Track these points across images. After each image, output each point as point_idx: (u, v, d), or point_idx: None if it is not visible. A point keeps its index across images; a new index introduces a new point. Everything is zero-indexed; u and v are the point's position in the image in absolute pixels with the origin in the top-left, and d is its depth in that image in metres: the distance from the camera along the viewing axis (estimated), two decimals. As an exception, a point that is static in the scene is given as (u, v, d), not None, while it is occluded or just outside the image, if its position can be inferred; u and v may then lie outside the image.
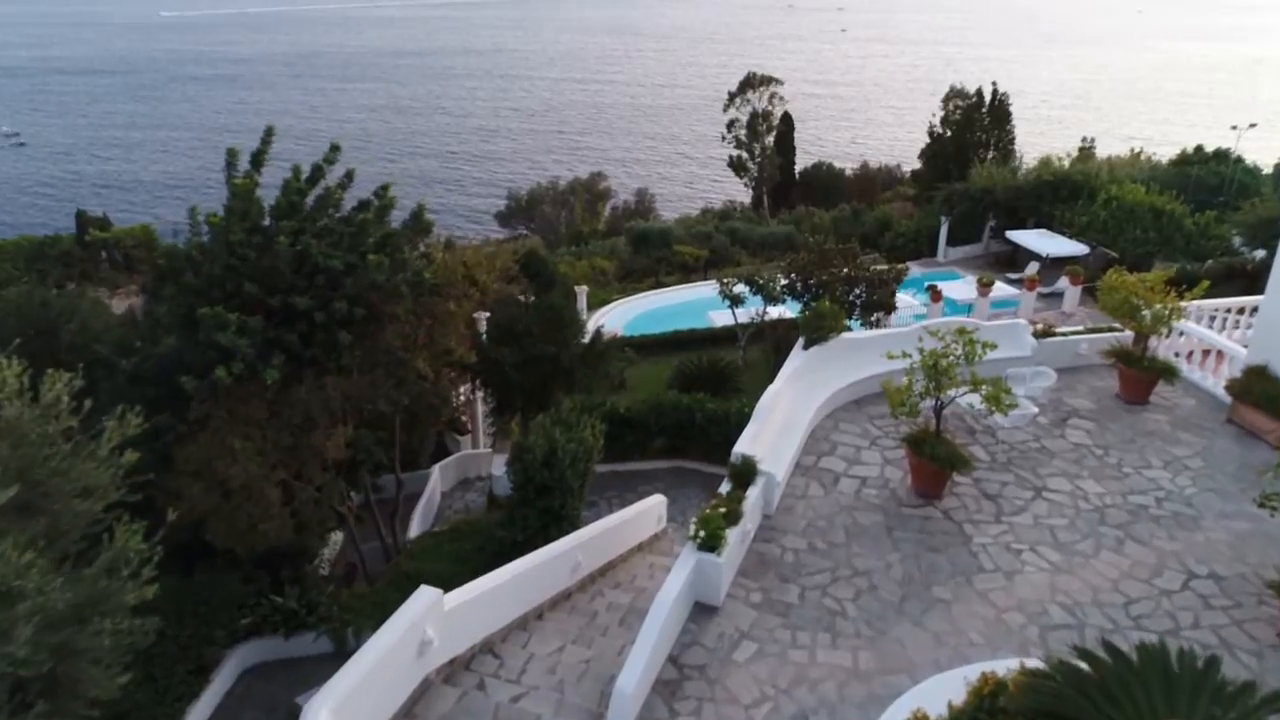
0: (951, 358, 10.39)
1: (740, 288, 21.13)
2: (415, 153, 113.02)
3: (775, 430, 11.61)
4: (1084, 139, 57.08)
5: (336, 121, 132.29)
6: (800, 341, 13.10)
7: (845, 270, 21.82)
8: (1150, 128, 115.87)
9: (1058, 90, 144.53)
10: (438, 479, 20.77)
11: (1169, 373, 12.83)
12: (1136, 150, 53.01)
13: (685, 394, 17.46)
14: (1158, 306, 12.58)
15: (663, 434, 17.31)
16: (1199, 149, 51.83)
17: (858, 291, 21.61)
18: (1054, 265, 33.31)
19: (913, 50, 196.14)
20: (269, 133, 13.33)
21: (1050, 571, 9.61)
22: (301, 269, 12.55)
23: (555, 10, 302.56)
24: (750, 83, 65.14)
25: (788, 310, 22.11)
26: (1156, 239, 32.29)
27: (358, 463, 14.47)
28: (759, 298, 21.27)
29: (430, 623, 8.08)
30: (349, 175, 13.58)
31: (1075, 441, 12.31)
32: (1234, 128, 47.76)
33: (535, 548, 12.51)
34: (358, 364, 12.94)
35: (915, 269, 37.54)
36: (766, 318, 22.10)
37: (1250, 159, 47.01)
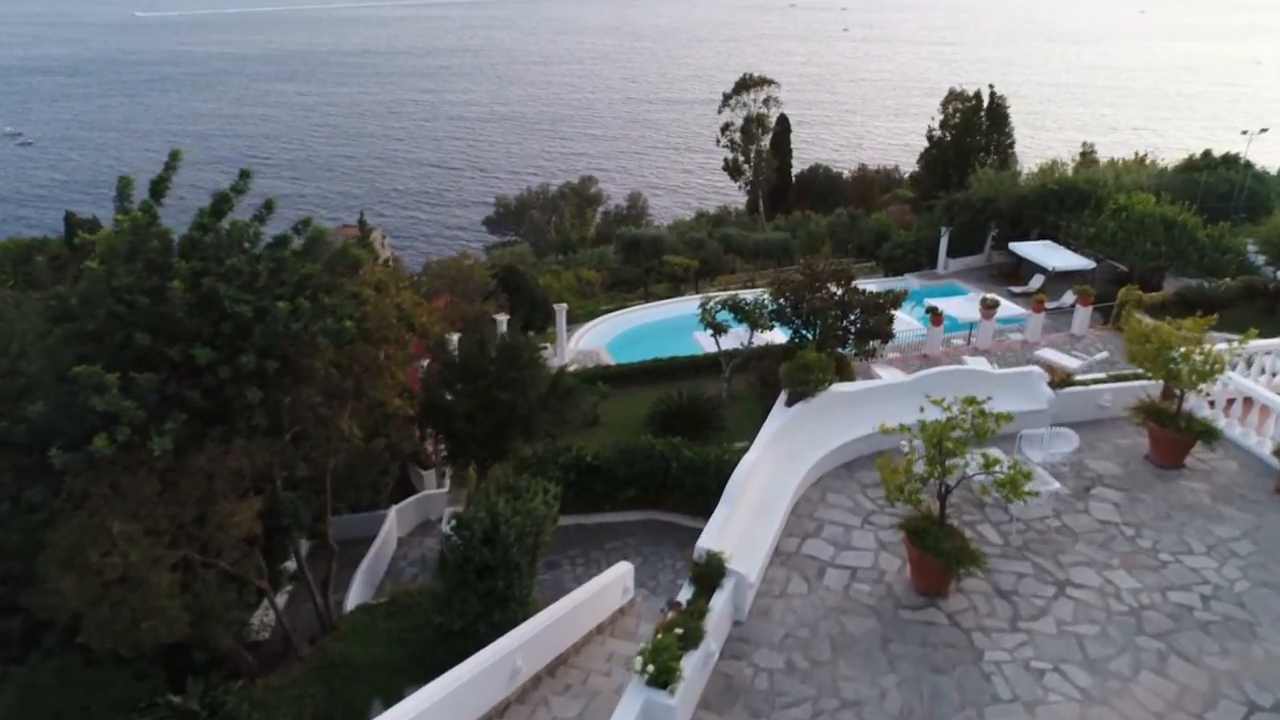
0: (959, 432, 8.69)
1: (724, 315, 19.40)
2: (407, 154, 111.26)
3: (751, 511, 9.92)
4: (1085, 144, 55.38)
5: (329, 121, 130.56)
6: (782, 397, 11.40)
7: (839, 294, 20.10)
8: (1152, 127, 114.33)
9: (1058, 91, 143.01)
10: (394, 523, 19.08)
11: (1209, 435, 11.12)
12: (1140, 154, 51.32)
13: (660, 438, 15.75)
14: (1197, 358, 10.86)
15: (634, 484, 15.62)
16: (1207, 154, 50.17)
17: (852, 318, 19.90)
18: (1059, 279, 31.72)
19: (912, 50, 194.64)
20: (174, 158, 11.67)
21: (1080, 702, 7.89)
22: (207, 315, 10.87)
23: (551, 10, 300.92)
24: (745, 84, 63.46)
25: (779, 331, 20.37)
26: (1168, 252, 30.60)
27: (283, 528, 12.77)
28: (744, 324, 19.54)
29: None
30: (268, 205, 11.90)
31: (1101, 518, 10.59)
32: (1244, 132, 46.01)
33: (477, 634, 10.87)
34: (271, 425, 11.24)
35: (914, 281, 35.96)
36: (754, 344, 20.37)
37: (1259, 163, 45.39)
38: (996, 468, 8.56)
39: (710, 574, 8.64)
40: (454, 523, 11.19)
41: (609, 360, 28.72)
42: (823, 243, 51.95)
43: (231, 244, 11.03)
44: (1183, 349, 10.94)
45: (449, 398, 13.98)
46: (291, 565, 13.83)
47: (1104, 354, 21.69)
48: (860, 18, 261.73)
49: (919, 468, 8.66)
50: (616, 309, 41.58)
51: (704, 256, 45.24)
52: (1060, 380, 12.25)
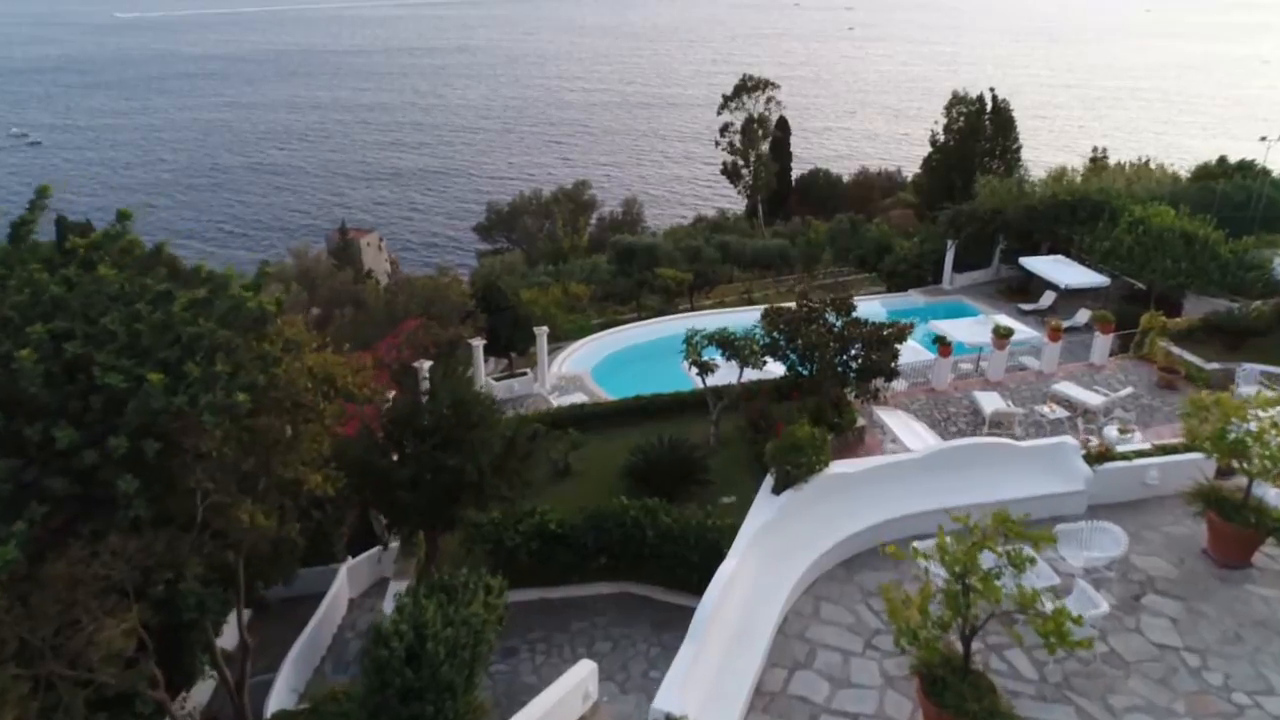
0: (988, 556, 6.84)
1: (711, 351, 17.51)
2: (399, 158, 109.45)
3: (726, 638, 8.08)
4: (1095, 149, 53.45)
5: (322, 121, 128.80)
6: (768, 483, 9.54)
7: (838, 324, 18.22)
8: (1157, 129, 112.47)
9: (1058, 91, 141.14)
10: (344, 583, 17.28)
11: (1284, 532, 9.25)
12: (1145, 159, 49.42)
13: (634, 501, 13.88)
14: (1273, 440, 8.97)
15: (605, 552, 13.76)
16: (1222, 160, 48.33)
17: (853, 353, 18.01)
18: (1071, 296, 29.88)
19: (915, 50, 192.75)
20: (41, 193, 9.78)
21: None
22: (74, 386, 9.03)
23: (552, 10, 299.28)
24: (745, 86, 61.69)
25: (773, 362, 18.46)
26: (1189, 270, 28.69)
27: (187, 624, 10.92)
28: (733, 361, 17.65)
29: None
30: (159, 250, 10.04)
31: (1157, 640, 8.74)
32: (1263, 139, 44.12)
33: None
34: (158, 514, 9.39)
35: (919, 297, 34.11)
36: (745, 380, 18.46)
37: (1276, 170, 43.52)
38: (1038, 603, 6.68)
39: (668, 748, 6.81)
40: (371, 631, 9.32)
41: (593, 386, 26.93)
42: (822, 251, 50.22)
43: (103, 300, 9.16)
44: (1253, 426, 9.07)
45: (390, 461, 12.10)
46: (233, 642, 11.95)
47: (1128, 390, 19.81)
48: (866, 17, 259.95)
49: (936, 606, 6.81)
50: (606, 324, 39.79)
51: (699, 269, 43.34)
52: (1099, 454, 10.39)
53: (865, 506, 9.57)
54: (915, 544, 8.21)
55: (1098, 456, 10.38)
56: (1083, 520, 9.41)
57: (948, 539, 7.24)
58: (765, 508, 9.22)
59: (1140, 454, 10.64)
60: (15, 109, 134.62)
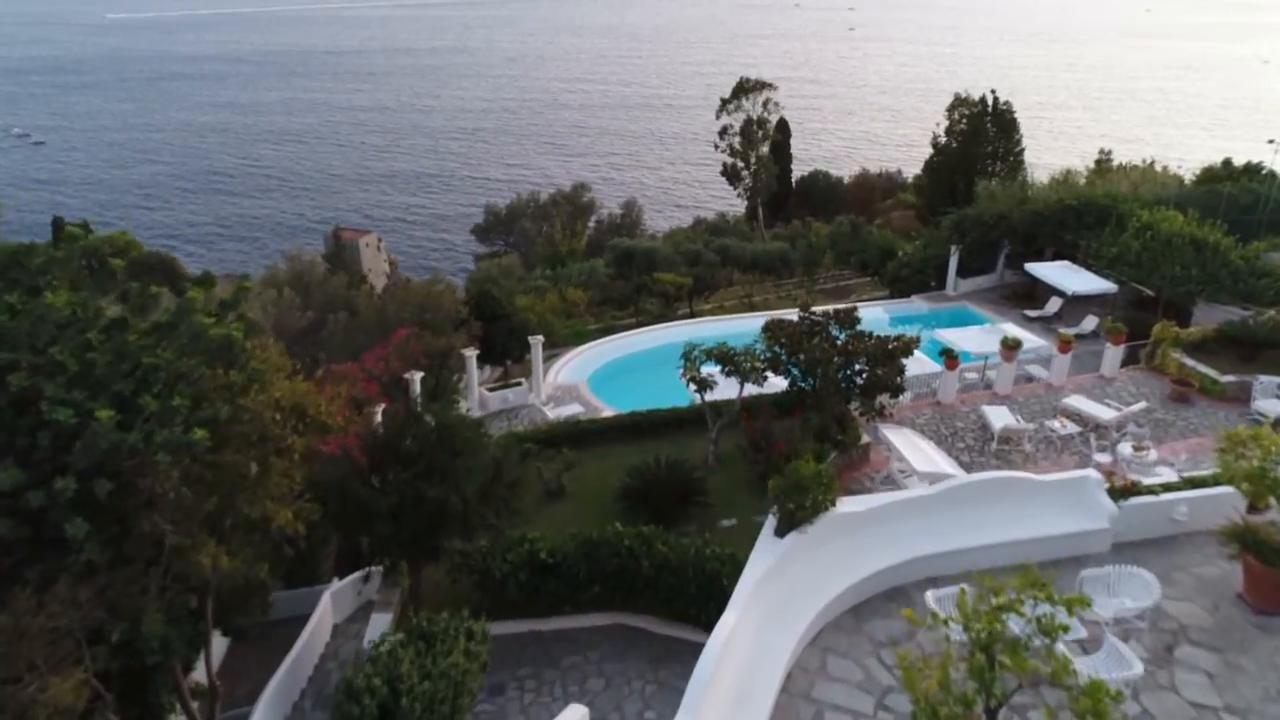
0: (1015, 621, 6.17)
1: (710, 366, 16.84)
2: (396, 160, 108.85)
3: (725, 703, 7.39)
4: (1101, 151, 52.81)
5: (320, 122, 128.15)
6: (770, 524, 8.88)
7: (841, 337, 17.56)
8: (1159, 130, 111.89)
9: (1059, 92, 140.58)
10: (327, 609, 16.56)
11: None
12: (1148, 160, 48.79)
13: (629, 529, 13.24)
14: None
15: (598, 582, 13.10)
16: (1228, 163, 47.71)
17: (857, 367, 17.34)
18: (1078, 302, 29.24)
19: (914, 50, 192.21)
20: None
21: None
22: (20, 421, 8.38)
23: (551, 10, 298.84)
24: (744, 88, 61.00)
25: (774, 376, 17.78)
26: (1199, 276, 28.03)
27: (151, 667, 10.29)
28: (733, 378, 16.99)
29: None
30: (126, 289, 9.36)
31: (1194, 698, 8.06)
32: (1270, 141, 43.42)
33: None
34: (108, 560, 8.71)
35: (922, 303, 33.50)
36: (745, 394, 17.80)
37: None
38: (1074, 679, 6.00)
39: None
40: (341, 684, 8.66)
41: (590, 396, 26.27)
42: (823, 254, 49.59)
43: (50, 328, 8.48)
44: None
45: (370, 489, 11.42)
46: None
47: (1141, 404, 19.14)
48: (865, 17, 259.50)
49: (958, 677, 6.14)
50: (604, 330, 39.14)
51: (698, 273, 42.67)
52: (1123, 488, 9.72)
53: (875, 548, 8.91)
54: (929, 594, 7.53)
55: (1123, 491, 9.72)
56: (1109, 565, 8.74)
57: (968, 596, 6.57)
58: (767, 553, 8.56)
59: (1167, 487, 9.96)
60: (11, 109, 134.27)
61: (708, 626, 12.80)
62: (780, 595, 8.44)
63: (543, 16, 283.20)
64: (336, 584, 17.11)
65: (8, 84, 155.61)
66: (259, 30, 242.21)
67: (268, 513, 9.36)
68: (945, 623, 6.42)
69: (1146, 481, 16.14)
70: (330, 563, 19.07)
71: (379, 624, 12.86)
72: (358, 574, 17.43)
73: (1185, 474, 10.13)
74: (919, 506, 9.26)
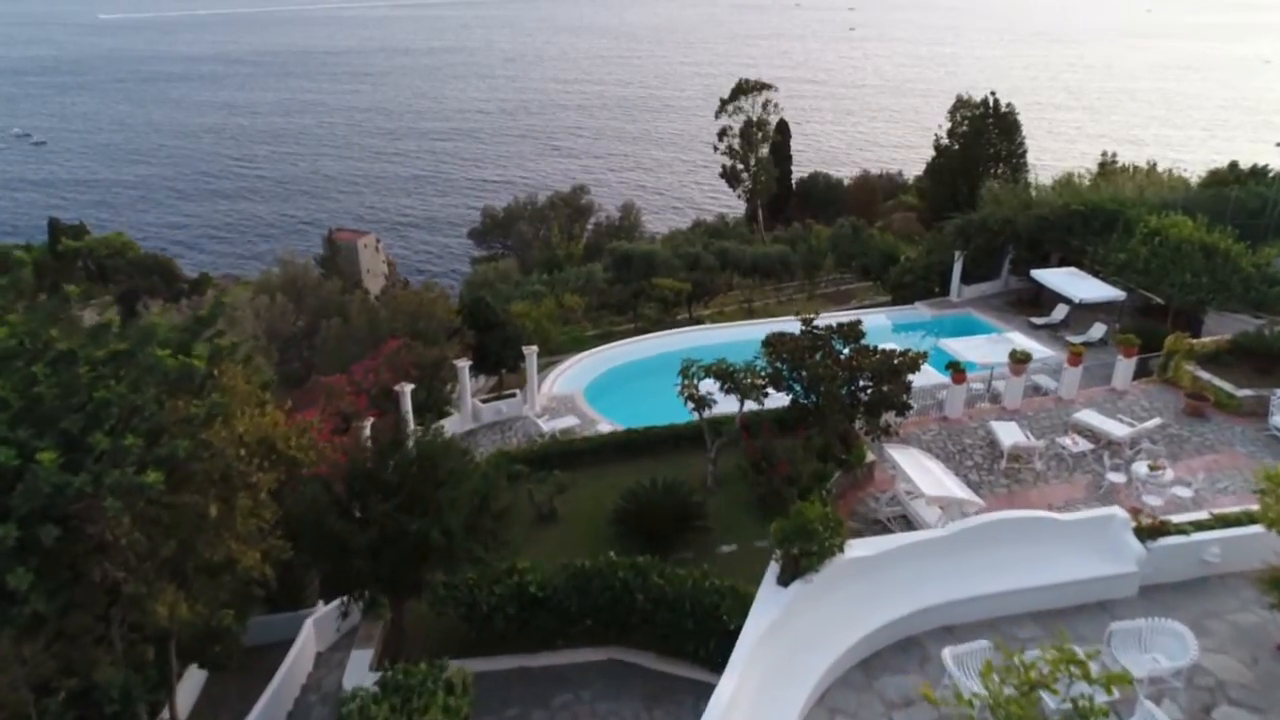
0: (1048, 699, 5.53)
1: (708, 383, 16.17)
2: (392, 163, 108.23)
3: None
4: (1104, 153, 52.16)
5: (317, 123, 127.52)
6: (772, 572, 8.20)
7: (845, 352, 16.92)
8: (1160, 130, 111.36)
9: (1061, 92, 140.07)
10: (310, 636, 15.91)
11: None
12: (1151, 163, 48.16)
13: (624, 559, 12.57)
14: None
15: (591, 616, 12.44)
16: (1234, 166, 47.09)
17: (861, 383, 16.71)
18: (1085, 309, 28.59)
19: (914, 50, 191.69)
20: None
21: None
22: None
23: (550, 10, 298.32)
24: (743, 89, 60.40)
25: (774, 391, 17.12)
26: (1209, 284, 27.36)
27: (110, 717, 9.61)
28: (733, 394, 16.32)
29: None
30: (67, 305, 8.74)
31: (1235, 768, 7.45)
32: (1279, 144, 42.82)
33: None
34: (57, 609, 8.04)
35: (926, 310, 32.87)
36: (745, 410, 17.13)
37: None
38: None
39: None
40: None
41: (586, 407, 25.61)
42: (824, 257, 48.93)
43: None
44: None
45: (347, 523, 10.74)
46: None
47: (1156, 420, 18.50)
48: (865, 17, 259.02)
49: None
50: (602, 336, 38.49)
51: (697, 278, 42.01)
52: (1151, 528, 9.06)
53: (887, 595, 8.26)
54: (947, 652, 6.87)
55: (1150, 530, 9.05)
56: (1140, 617, 8.08)
57: (993, 662, 5.93)
58: (770, 605, 7.87)
59: (1198, 526, 9.30)
60: (10, 109, 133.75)
61: (706, 662, 12.22)
62: (784, 650, 7.78)
63: (541, 16, 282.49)
64: (321, 609, 16.47)
65: (5, 84, 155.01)
66: (257, 30, 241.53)
67: (232, 554, 8.71)
68: (970, 703, 5.76)
69: (1162, 502, 15.57)
70: (316, 585, 18.39)
71: (359, 662, 12.20)
72: (338, 602, 16.79)
73: (1216, 511, 9.46)
74: (933, 549, 8.60)
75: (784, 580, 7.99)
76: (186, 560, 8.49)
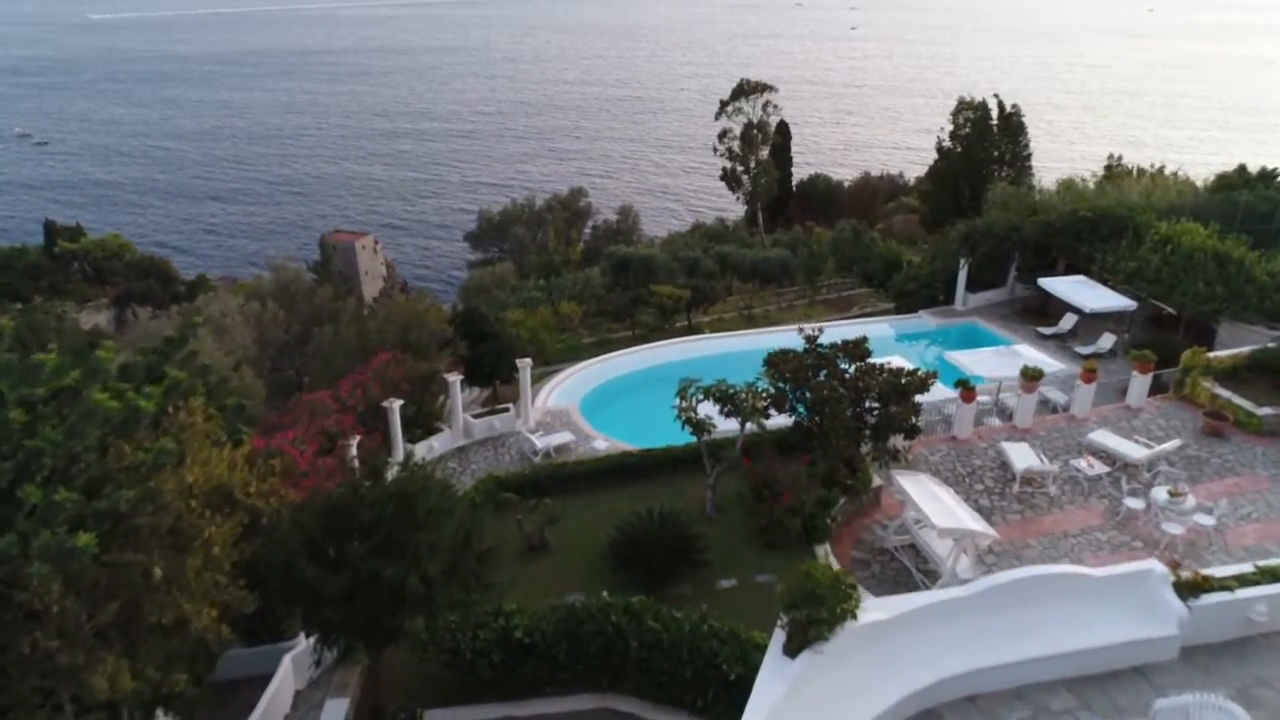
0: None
1: (707, 406, 15.38)
2: (394, 160, 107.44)
3: None
4: (1110, 156, 51.37)
5: (315, 124, 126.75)
6: (778, 640, 7.41)
7: (850, 371, 16.14)
8: (1160, 131, 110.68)
9: (1060, 92, 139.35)
10: (288, 672, 15.09)
11: None
12: (1155, 165, 47.37)
13: (617, 599, 11.79)
14: None
15: (582, 662, 11.66)
16: (1242, 169, 46.31)
17: (867, 405, 15.93)
18: (1093, 318, 27.82)
19: (914, 50, 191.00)
20: None
21: None
22: None
23: (549, 10, 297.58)
24: (743, 90, 59.60)
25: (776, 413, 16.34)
26: (1223, 294, 26.60)
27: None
28: (734, 417, 15.54)
29: None
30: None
31: None
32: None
33: None
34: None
35: (930, 319, 32.08)
36: (746, 431, 16.34)
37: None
38: None
39: None
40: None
41: (581, 422, 24.81)
42: (825, 261, 48.13)
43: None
44: None
45: (318, 568, 9.96)
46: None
47: (1175, 442, 17.72)
48: (866, 17, 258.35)
49: None
50: (599, 343, 37.68)
51: (696, 284, 41.21)
52: (1192, 584, 8.28)
53: (905, 663, 7.47)
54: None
55: (1190, 586, 8.26)
56: (1187, 691, 7.28)
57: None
58: (776, 679, 7.04)
59: (1240, 580, 8.50)
60: (8, 109, 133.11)
61: (704, 713, 11.44)
62: (791, 733, 7.01)
63: (540, 15, 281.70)
64: (301, 643, 15.66)
65: (3, 85, 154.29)
66: (254, 30, 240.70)
67: (184, 615, 7.89)
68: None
69: (1184, 531, 14.78)
70: (297, 614, 17.59)
71: (334, 713, 11.40)
72: (312, 641, 15.98)
73: (1261, 564, 8.68)
74: (955, 609, 7.82)
75: (791, 650, 7.21)
76: (132, 623, 7.71)
